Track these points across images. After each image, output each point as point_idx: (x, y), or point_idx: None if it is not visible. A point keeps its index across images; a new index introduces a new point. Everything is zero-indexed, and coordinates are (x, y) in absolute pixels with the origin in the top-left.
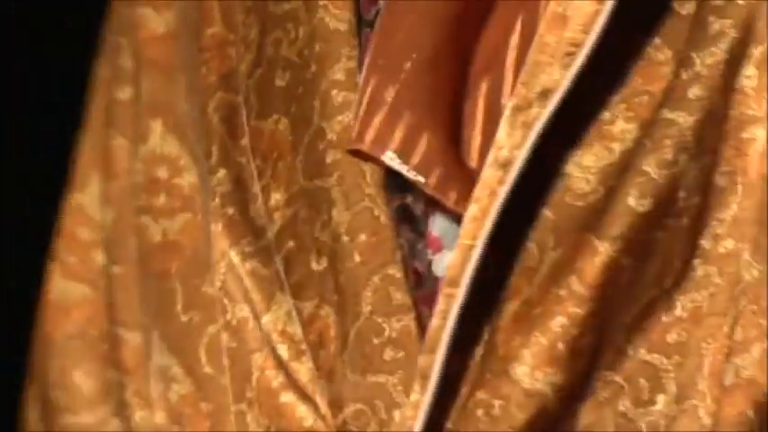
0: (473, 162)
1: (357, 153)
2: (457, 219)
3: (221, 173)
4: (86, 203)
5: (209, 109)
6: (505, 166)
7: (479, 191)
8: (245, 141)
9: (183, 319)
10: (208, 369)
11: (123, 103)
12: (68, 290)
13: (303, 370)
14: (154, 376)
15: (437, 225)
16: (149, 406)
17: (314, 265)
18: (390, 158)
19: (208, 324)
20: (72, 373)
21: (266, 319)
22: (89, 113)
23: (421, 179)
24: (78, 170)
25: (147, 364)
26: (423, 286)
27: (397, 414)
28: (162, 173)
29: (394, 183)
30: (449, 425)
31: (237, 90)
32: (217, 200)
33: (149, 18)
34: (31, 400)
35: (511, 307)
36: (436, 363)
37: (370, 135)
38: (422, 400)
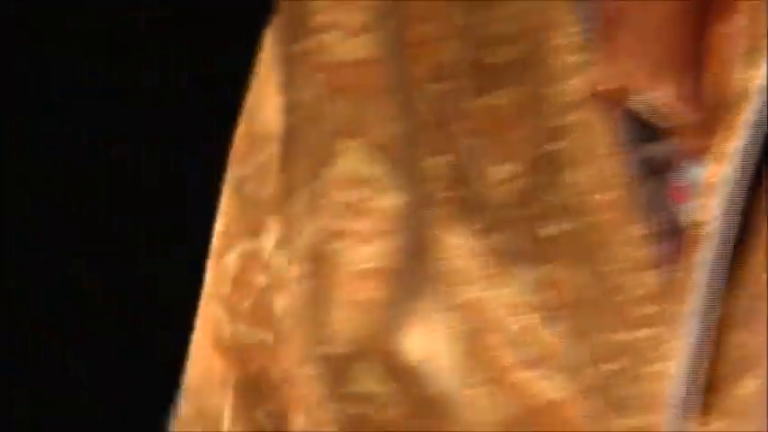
0: (715, 105)
1: (598, 103)
2: (703, 166)
3: (436, 159)
4: (264, 249)
5: (416, 101)
6: (744, 100)
7: (721, 130)
8: (461, 124)
9: (391, 345)
10: (418, 387)
11: (297, 131)
12: (240, 334)
13: (541, 341)
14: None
15: (684, 174)
16: None
17: (547, 231)
18: (634, 104)
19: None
20: None
21: (498, 294)
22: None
23: (664, 125)
24: (252, 217)
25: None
26: (669, 238)
27: (649, 369)
28: (356, 196)
29: (634, 134)
30: (705, 371)
31: (447, 78)
32: (433, 185)
33: (336, 44)
34: None
35: (761, 244)
36: (689, 310)
37: (611, 83)
38: (677, 348)
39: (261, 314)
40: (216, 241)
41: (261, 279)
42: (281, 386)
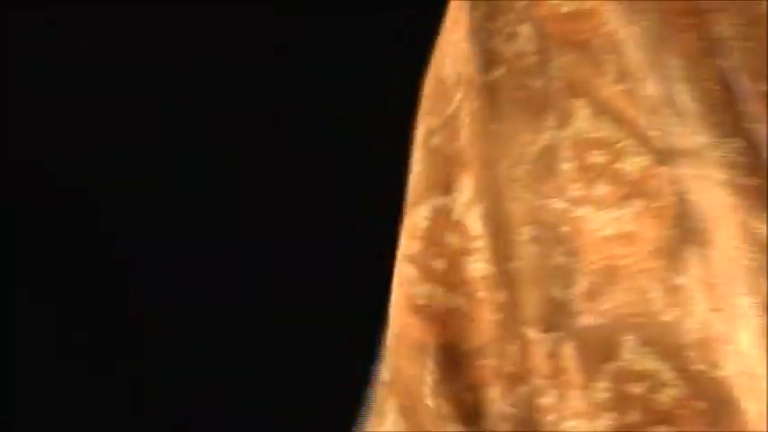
0: None
1: None
2: None
3: (736, 142)
4: (455, 208)
5: (704, 77)
6: None
7: None
8: (752, 107)
9: (666, 318)
10: (699, 366)
11: (503, 84)
12: (437, 296)
13: None
14: (617, 379)
15: None
16: (584, 414)
17: None
18: None
19: (686, 318)
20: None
21: None
22: (444, 107)
23: None
24: (441, 171)
25: (591, 367)
26: None
27: None
28: (597, 158)
29: None
30: None
31: (727, 55)
32: (727, 170)
33: None
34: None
35: None
36: None
37: None
38: None
39: (455, 278)
40: (408, 197)
41: (452, 240)
42: (476, 357)
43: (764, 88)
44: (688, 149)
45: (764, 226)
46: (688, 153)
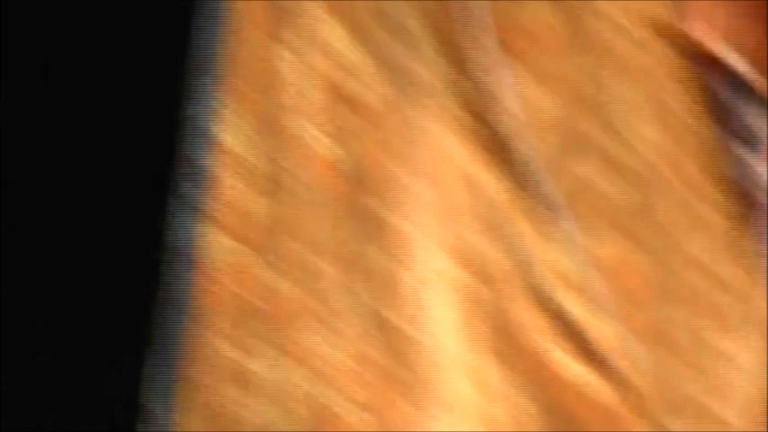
0: None
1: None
2: None
3: (441, 62)
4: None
5: (433, 8)
6: None
7: None
8: (477, 19)
9: (389, 265)
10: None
11: None
12: None
13: (602, 330)
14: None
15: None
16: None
17: (607, 189)
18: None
19: (403, 269)
20: None
21: (536, 258)
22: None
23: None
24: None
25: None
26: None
27: None
28: (347, 85)
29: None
30: None
31: None
32: (440, 98)
33: None
34: None
35: None
36: None
37: (699, 23)
38: None
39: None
40: None
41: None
42: None
43: (494, 37)
44: (425, 82)
45: (484, 173)
46: (425, 86)
